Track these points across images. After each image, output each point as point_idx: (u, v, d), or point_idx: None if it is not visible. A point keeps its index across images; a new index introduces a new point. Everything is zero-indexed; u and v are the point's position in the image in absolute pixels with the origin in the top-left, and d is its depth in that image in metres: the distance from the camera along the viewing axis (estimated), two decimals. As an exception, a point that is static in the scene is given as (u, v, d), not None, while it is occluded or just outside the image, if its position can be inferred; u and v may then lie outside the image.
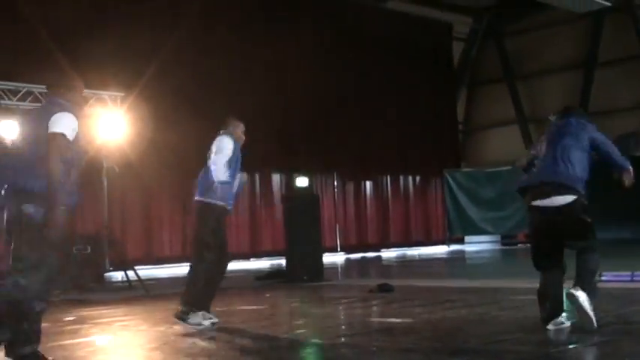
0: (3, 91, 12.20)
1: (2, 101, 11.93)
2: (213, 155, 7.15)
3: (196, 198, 7.21)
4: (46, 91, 5.36)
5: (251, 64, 19.53)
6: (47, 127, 4.99)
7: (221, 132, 7.37)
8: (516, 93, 26.00)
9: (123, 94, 13.41)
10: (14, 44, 15.32)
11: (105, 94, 13.18)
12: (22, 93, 12.34)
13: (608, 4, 20.43)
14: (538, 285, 5.96)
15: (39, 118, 5.15)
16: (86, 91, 12.88)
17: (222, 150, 7.14)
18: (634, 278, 9.49)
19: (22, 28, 15.39)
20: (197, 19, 18.28)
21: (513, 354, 5.09)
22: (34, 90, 12.35)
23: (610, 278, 9.68)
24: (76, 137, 5.11)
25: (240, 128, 7.46)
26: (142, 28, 17.43)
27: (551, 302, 5.81)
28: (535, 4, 20.88)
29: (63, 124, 5.02)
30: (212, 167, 7.09)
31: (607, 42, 23.99)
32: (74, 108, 5.20)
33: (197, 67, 18.27)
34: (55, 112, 5.05)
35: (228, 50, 19.09)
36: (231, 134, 7.32)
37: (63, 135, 4.98)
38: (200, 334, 6.68)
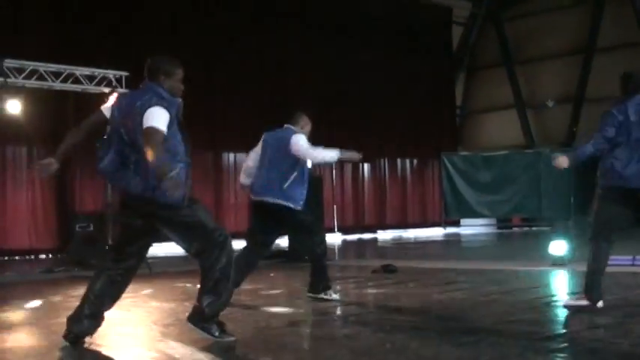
0: (9, 69, 12.19)
1: (9, 79, 11.93)
2: (301, 154, 7.15)
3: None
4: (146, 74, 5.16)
5: (258, 49, 19.65)
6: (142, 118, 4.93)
7: (292, 128, 7.36)
8: (515, 78, 26.04)
9: (127, 74, 13.45)
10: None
11: (109, 73, 13.27)
12: (27, 71, 12.38)
13: (608, -11, 20.54)
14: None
15: (136, 106, 5.02)
16: (90, 70, 13.07)
17: (308, 147, 7.19)
18: (635, 262, 9.63)
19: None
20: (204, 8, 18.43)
21: (525, 334, 5.16)
22: (39, 69, 12.42)
23: (611, 262, 9.81)
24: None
25: (309, 126, 7.50)
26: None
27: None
28: (535, -11, 20.96)
29: (160, 119, 4.92)
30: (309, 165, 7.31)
31: (606, 28, 24.01)
32: (170, 100, 5.11)
33: (201, 53, 18.30)
34: (152, 105, 4.96)
35: (235, 41, 19.22)
36: (303, 131, 7.37)
37: (160, 130, 4.88)
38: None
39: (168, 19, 17.99)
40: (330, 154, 7.23)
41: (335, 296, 7.32)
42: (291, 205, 7.11)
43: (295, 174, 7.15)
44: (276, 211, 7.13)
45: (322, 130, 20.88)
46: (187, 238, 5.17)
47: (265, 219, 7.27)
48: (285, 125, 7.43)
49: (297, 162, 7.18)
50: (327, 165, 7.07)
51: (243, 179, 7.59)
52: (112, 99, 6.00)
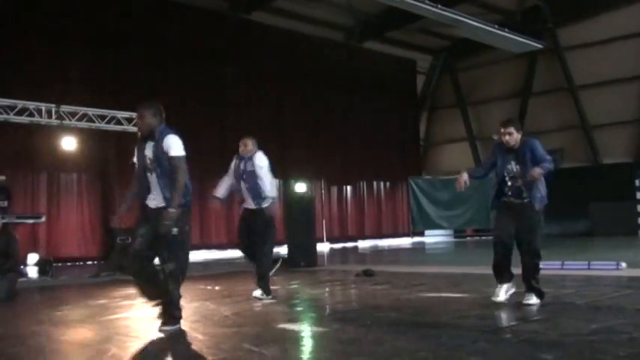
0: (64, 113, 12.28)
1: (64, 121, 12.02)
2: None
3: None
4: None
5: (256, 98, 19.74)
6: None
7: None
8: (467, 116, 26.25)
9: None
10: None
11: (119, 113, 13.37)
12: (79, 115, 12.48)
13: (540, 46, 20.74)
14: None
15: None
16: (128, 113, 13.14)
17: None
18: (563, 267, 9.74)
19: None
20: (217, 60, 18.51)
21: (477, 327, 5.22)
22: (88, 112, 12.52)
23: (544, 266, 9.91)
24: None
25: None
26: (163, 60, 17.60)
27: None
28: (482, 46, 21.13)
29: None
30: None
31: (539, 76, 24.28)
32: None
33: (215, 97, 18.40)
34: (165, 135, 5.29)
35: (241, 85, 19.32)
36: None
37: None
38: (230, 309, 6.81)
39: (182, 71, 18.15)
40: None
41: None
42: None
43: None
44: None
45: (314, 158, 21.36)
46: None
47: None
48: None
49: None
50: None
51: None
52: None
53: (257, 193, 7.28)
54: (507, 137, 6.25)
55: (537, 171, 5.99)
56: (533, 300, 6.13)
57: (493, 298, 6.29)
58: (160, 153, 5.29)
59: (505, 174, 6.29)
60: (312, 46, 21.80)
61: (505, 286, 6.31)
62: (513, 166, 6.24)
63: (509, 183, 6.27)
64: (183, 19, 18.19)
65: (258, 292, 7.40)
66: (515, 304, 6.17)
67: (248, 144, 7.41)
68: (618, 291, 7.06)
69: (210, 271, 12.30)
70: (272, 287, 7.68)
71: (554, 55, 23.46)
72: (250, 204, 7.36)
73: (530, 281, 6.19)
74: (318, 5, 20.42)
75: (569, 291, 7.21)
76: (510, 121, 6.38)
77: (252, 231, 7.34)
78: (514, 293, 6.36)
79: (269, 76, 20.13)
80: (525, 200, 6.17)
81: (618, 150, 22.15)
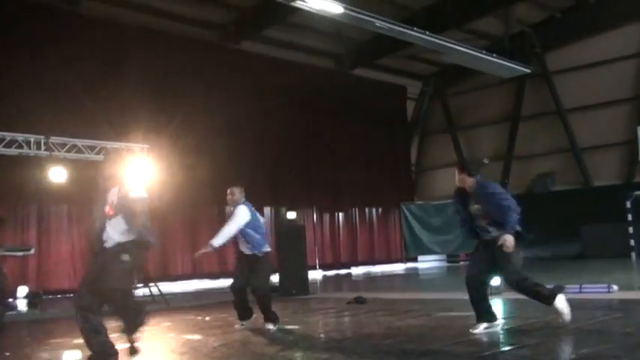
0: (54, 144, 12.31)
1: (53, 152, 12.03)
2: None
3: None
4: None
5: (246, 125, 19.82)
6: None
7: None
8: (457, 141, 26.37)
9: (148, 146, 13.56)
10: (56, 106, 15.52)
11: (134, 145, 13.37)
12: (68, 146, 12.50)
13: (528, 70, 20.92)
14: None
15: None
16: (118, 144, 13.16)
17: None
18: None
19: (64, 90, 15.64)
20: (208, 90, 18.64)
21: (468, 353, 5.23)
22: (77, 144, 12.53)
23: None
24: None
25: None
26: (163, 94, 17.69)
27: None
28: (471, 71, 21.29)
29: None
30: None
31: (528, 101, 24.46)
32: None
33: (207, 127, 18.42)
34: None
35: (233, 115, 19.38)
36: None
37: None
38: (219, 340, 6.79)
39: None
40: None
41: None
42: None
43: None
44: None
45: (305, 186, 21.41)
46: None
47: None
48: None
49: None
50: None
51: None
52: None
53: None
54: (461, 184, 6.34)
55: (508, 239, 5.92)
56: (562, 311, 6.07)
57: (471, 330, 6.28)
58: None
59: (472, 213, 6.32)
60: (302, 73, 21.92)
61: (482, 325, 6.29)
62: (476, 208, 6.27)
63: (477, 222, 6.32)
64: (175, 50, 18.27)
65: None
66: (508, 329, 6.16)
67: (235, 192, 7.62)
68: (609, 314, 7.08)
69: (202, 301, 12.23)
70: (258, 317, 7.63)
71: (542, 79, 23.68)
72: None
73: (546, 301, 6.10)
74: (308, 34, 20.60)
75: (560, 315, 7.19)
76: (463, 168, 6.42)
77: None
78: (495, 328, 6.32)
79: (259, 103, 20.20)
80: (494, 235, 6.16)
81: (609, 172, 22.27)
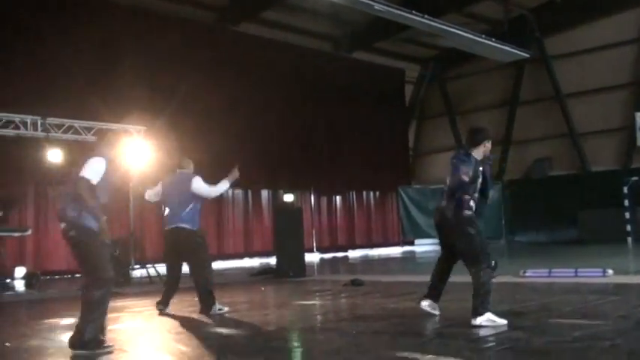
0: (50, 126, 12.27)
1: (50, 134, 12.00)
2: (203, 193, 7.68)
3: None
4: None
5: (244, 108, 19.73)
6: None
7: (184, 172, 7.75)
8: (455, 125, 26.34)
9: (145, 128, 13.52)
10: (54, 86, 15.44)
11: (131, 127, 13.32)
12: (65, 127, 12.45)
13: (527, 55, 20.88)
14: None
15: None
16: (115, 125, 13.13)
17: (207, 187, 7.62)
18: (551, 274, 9.77)
19: (59, 71, 15.55)
20: (205, 72, 18.53)
21: (462, 335, 5.23)
22: (74, 124, 12.48)
23: (531, 274, 9.95)
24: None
25: (192, 166, 8.05)
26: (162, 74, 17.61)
27: None
28: (470, 55, 21.26)
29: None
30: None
31: (527, 85, 24.44)
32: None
33: (204, 109, 18.36)
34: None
35: (231, 97, 19.27)
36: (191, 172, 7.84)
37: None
38: (214, 320, 6.81)
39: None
40: (223, 187, 7.59)
41: (225, 308, 7.39)
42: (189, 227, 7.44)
43: (192, 205, 7.51)
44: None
45: (303, 169, 21.40)
46: None
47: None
48: (178, 170, 7.77)
49: (194, 197, 7.55)
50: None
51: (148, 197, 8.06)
52: None
53: None
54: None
55: None
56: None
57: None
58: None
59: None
60: (300, 57, 21.86)
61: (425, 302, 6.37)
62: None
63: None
64: (172, 31, 18.17)
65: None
66: (503, 312, 6.17)
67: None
68: (604, 298, 7.09)
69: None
70: (256, 298, 7.63)
71: (541, 64, 23.62)
72: None
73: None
74: (306, 16, 20.49)
75: (555, 298, 7.25)
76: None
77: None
78: None
79: (257, 86, 20.13)
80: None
81: (606, 157, 22.28)
